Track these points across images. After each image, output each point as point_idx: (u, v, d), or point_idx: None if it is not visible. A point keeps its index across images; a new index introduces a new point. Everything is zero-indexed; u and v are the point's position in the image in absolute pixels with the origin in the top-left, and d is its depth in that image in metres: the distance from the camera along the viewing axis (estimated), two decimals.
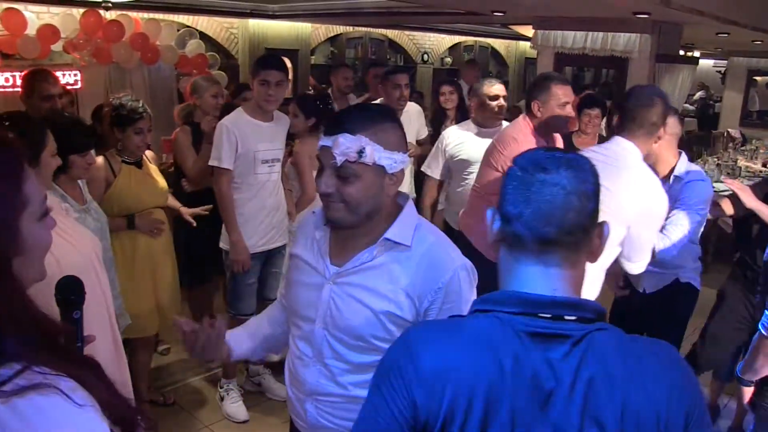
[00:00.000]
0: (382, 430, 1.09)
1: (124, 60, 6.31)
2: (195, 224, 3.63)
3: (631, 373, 1.04)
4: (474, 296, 1.59)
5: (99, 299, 2.30)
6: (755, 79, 12.26)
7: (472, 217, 3.23)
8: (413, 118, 4.43)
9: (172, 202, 3.64)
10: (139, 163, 3.26)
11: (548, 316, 1.06)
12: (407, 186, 4.58)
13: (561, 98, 3.01)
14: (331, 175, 1.51)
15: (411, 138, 4.37)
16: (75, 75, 6.04)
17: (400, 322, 1.55)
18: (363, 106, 1.66)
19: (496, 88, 3.83)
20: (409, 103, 4.42)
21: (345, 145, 1.46)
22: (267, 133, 3.36)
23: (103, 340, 2.31)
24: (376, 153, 1.48)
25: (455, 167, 3.92)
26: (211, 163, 3.34)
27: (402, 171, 1.58)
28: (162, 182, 3.39)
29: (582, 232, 1.09)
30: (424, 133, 4.52)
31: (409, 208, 1.63)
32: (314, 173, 1.56)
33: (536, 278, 1.10)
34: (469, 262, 1.61)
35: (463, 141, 3.87)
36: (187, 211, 3.65)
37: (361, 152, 1.47)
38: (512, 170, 1.13)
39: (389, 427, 1.08)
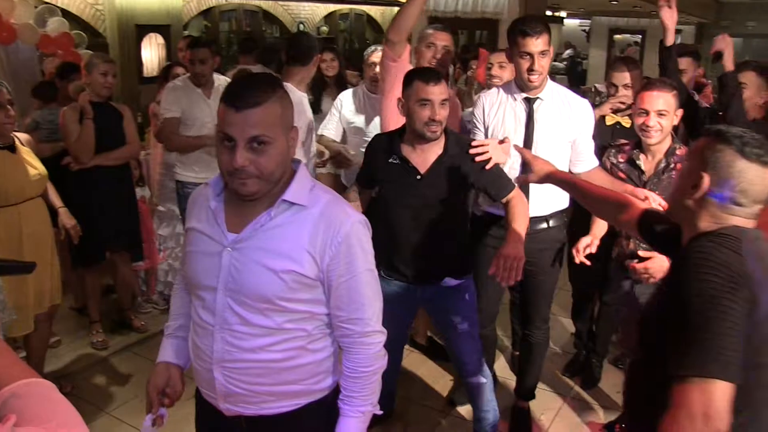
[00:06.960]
0: None
1: None
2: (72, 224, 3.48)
3: None
4: (371, 247, 1.66)
5: None
6: (615, 38, 13.05)
7: None
8: None
9: (54, 198, 3.44)
10: (11, 147, 3.06)
11: None
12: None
13: None
14: (245, 149, 1.50)
15: None
16: None
17: (304, 281, 1.59)
18: (249, 76, 1.63)
19: None
20: None
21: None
22: None
23: None
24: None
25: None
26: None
27: (296, 128, 1.62)
28: (39, 167, 3.19)
29: None
30: None
31: (303, 170, 1.66)
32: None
33: None
34: (363, 216, 1.67)
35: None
36: (64, 219, 3.45)
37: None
38: None
39: None
